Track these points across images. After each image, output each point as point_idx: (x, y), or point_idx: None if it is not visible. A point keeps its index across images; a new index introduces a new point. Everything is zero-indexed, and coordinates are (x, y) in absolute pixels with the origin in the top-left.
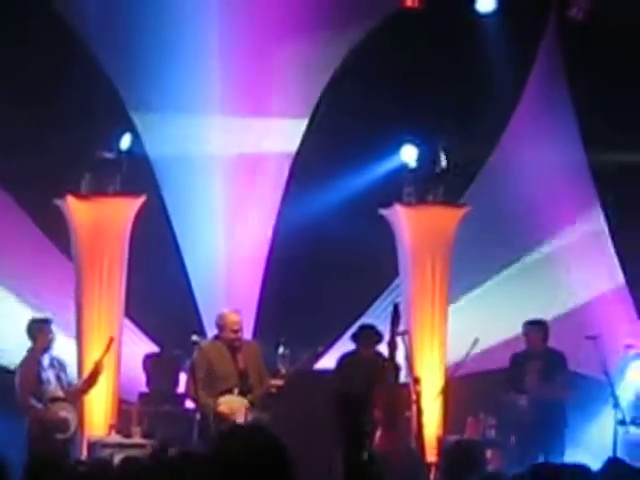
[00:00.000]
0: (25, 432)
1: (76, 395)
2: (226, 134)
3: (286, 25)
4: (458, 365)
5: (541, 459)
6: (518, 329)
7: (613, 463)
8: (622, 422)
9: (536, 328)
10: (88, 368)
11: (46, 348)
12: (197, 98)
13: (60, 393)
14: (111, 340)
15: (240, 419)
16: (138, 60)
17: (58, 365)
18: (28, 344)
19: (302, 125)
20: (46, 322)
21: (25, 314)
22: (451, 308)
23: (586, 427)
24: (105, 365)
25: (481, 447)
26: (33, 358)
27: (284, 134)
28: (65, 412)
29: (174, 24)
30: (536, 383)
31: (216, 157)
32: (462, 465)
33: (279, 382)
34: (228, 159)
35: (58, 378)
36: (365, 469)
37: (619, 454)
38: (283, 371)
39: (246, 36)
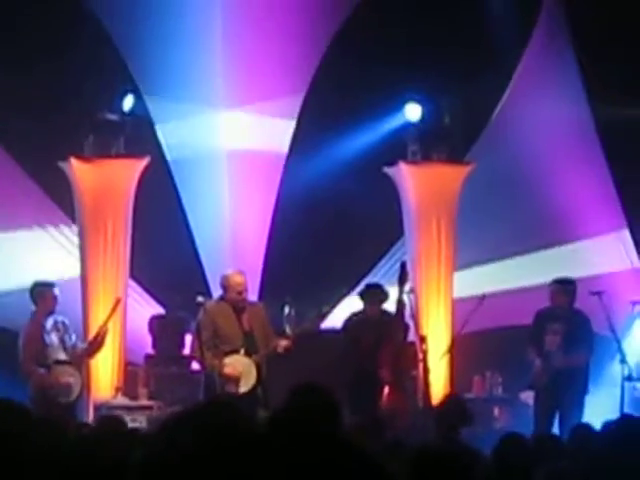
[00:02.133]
0: (28, 397)
1: (81, 358)
2: (229, 109)
3: None
4: (465, 322)
5: (556, 415)
6: (524, 284)
7: (626, 420)
8: (629, 378)
9: (562, 287)
10: (94, 331)
11: (50, 311)
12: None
13: (64, 356)
14: (117, 301)
15: (245, 380)
16: (144, 29)
17: (62, 328)
18: (30, 306)
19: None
20: (49, 285)
21: (29, 277)
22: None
23: (593, 383)
24: (111, 327)
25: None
26: (36, 321)
27: (288, 102)
28: (67, 376)
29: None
30: (556, 346)
31: (221, 119)
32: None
33: (284, 342)
34: (233, 123)
35: (62, 341)
36: (370, 430)
37: (626, 410)
38: (289, 331)
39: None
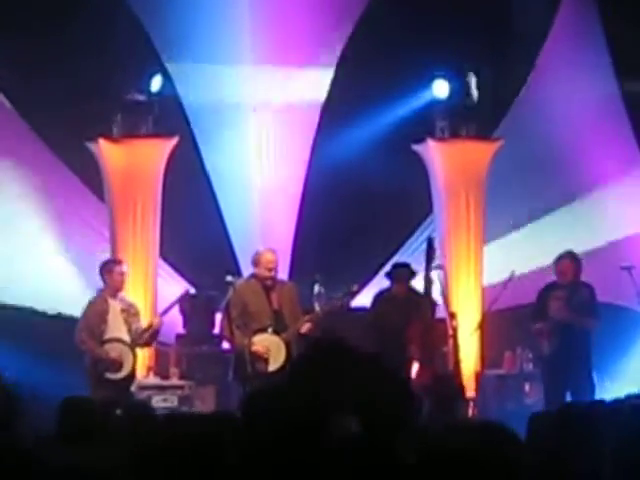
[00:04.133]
0: (84, 367)
1: (141, 344)
2: (257, 81)
3: None
4: (495, 299)
5: (568, 389)
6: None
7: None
8: None
9: (567, 259)
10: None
11: (117, 288)
12: (227, 46)
13: (126, 337)
14: (186, 293)
15: (274, 358)
16: (168, 6)
17: (133, 311)
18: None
19: (332, 72)
20: (116, 263)
21: (60, 259)
22: (488, 244)
23: (623, 359)
24: (142, 308)
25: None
26: (102, 298)
27: (316, 79)
28: (116, 353)
29: None
30: (560, 309)
31: (248, 100)
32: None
33: (307, 324)
34: (261, 102)
35: (127, 323)
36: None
37: None
38: (318, 310)
39: None
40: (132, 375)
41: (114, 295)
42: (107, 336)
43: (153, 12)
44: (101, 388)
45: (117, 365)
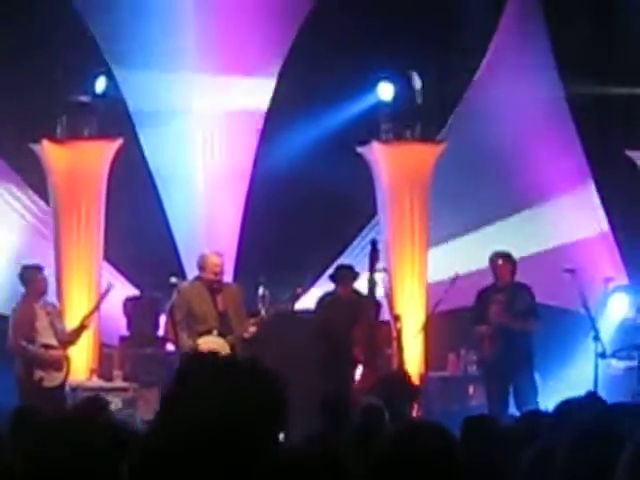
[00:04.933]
0: (15, 374)
1: (67, 344)
2: (201, 86)
3: None
4: (439, 301)
5: (509, 394)
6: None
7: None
8: (602, 355)
9: (503, 259)
10: (68, 314)
11: (40, 294)
12: (171, 52)
13: (53, 341)
14: (108, 288)
15: None
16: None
17: (53, 311)
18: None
19: (275, 77)
20: (38, 269)
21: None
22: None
23: (567, 360)
24: (86, 309)
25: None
26: (28, 304)
27: (259, 85)
28: (57, 353)
29: None
30: (500, 313)
31: (194, 104)
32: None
33: (251, 329)
34: (206, 106)
35: (52, 325)
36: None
37: (600, 387)
38: (263, 312)
39: None
40: (65, 383)
41: (37, 300)
42: (38, 343)
43: (99, 15)
44: (34, 396)
45: (60, 364)
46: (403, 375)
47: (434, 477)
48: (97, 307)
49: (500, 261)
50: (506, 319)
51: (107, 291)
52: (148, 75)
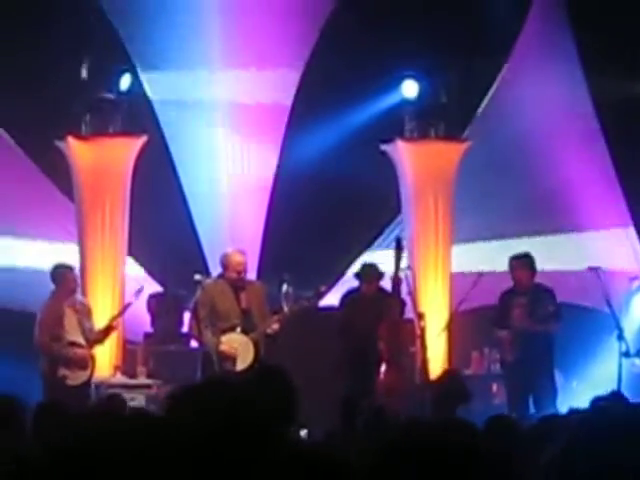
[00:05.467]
0: (40, 371)
1: (92, 344)
2: (226, 83)
3: None
4: (463, 299)
5: (530, 393)
6: None
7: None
8: (626, 354)
9: (521, 262)
10: (93, 310)
11: (70, 293)
12: (197, 49)
13: (81, 339)
14: (127, 306)
15: (242, 357)
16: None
17: (82, 309)
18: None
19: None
20: (69, 269)
21: (29, 257)
22: (456, 247)
23: (590, 359)
24: (109, 306)
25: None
26: (57, 300)
27: (284, 81)
28: (81, 354)
29: None
30: (521, 318)
31: (218, 101)
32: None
33: (274, 325)
34: (230, 104)
35: (80, 323)
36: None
37: (623, 386)
38: (286, 309)
39: None
40: (89, 381)
41: (68, 298)
42: (66, 340)
43: (124, 13)
44: (58, 392)
45: (85, 362)
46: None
47: (454, 471)
48: (126, 308)
49: (518, 265)
50: (528, 324)
51: (138, 292)
52: (173, 72)
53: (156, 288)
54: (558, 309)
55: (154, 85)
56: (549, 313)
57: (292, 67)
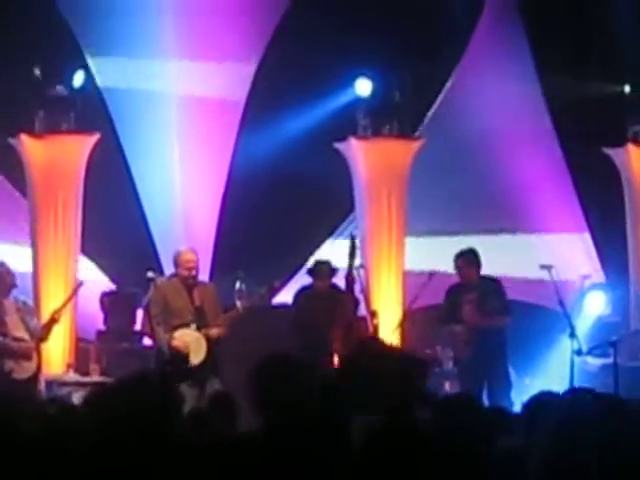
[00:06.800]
0: None
1: (38, 341)
2: (179, 77)
3: None
4: (415, 297)
5: (485, 389)
6: None
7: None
8: (579, 352)
9: (466, 259)
10: (44, 307)
11: (9, 288)
12: (150, 40)
13: (26, 335)
14: (79, 284)
15: (194, 353)
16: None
17: (24, 309)
18: None
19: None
20: (3, 265)
21: None
22: (408, 241)
23: (543, 357)
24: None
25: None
26: None
27: (238, 76)
28: (28, 345)
29: None
30: (472, 313)
31: (170, 97)
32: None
33: (216, 330)
34: (183, 99)
35: (23, 321)
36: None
37: (576, 384)
38: (239, 306)
39: None
40: (37, 376)
41: (6, 295)
42: (11, 335)
43: (76, 7)
44: (5, 388)
45: (29, 356)
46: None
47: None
48: (67, 302)
49: (463, 262)
50: (480, 320)
51: (77, 287)
52: (126, 65)
53: (109, 286)
54: (507, 302)
55: (107, 79)
56: (498, 306)
57: (247, 62)
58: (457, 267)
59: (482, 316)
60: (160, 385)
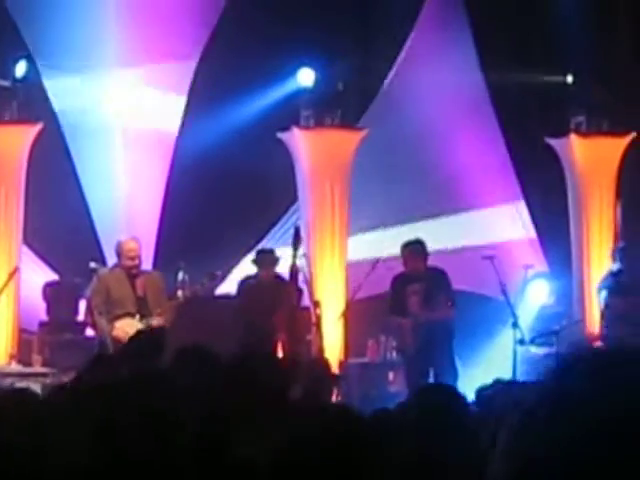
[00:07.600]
0: None
1: None
2: (124, 67)
3: None
4: (358, 287)
5: (431, 378)
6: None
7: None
8: (521, 341)
9: (413, 249)
10: None
11: None
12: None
13: None
14: (14, 271)
15: None
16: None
17: None
18: None
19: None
20: None
21: None
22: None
23: (486, 347)
24: (4, 294)
25: None
26: None
27: (180, 72)
28: None
29: None
30: (418, 305)
31: (113, 91)
32: None
33: (157, 320)
34: (124, 89)
35: None
36: None
37: (519, 373)
38: (180, 295)
39: None
40: None
41: None
42: None
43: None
44: None
45: None
46: (324, 365)
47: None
48: (2, 289)
49: (410, 252)
50: (425, 313)
51: (12, 273)
52: (67, 60)
53: (51, 276)
54: (452, 295)
55: (48, 72)
56: (445, 297)
57: (189, 57)
58: (403, 257)
59: (428, 309)
60: None
